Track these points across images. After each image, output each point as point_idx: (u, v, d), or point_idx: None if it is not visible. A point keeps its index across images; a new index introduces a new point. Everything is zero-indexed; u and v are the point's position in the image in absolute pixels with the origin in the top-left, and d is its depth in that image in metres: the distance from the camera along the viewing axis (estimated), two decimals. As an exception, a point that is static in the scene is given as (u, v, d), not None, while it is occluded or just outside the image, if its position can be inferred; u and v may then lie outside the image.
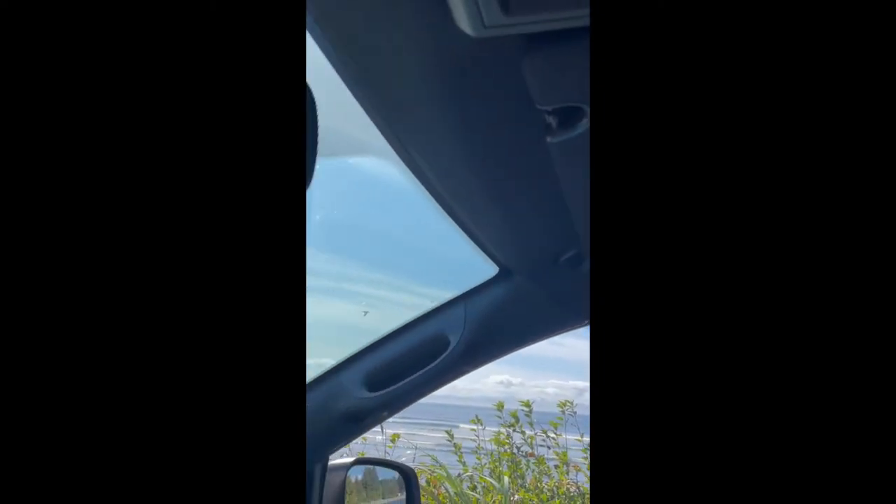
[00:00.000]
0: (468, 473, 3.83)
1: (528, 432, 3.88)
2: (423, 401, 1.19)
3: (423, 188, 0.83)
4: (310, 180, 0.46)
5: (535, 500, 3.60)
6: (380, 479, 1.46)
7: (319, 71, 0.55)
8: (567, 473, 3.74)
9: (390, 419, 1.31)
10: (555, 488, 3.66)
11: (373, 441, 3.73)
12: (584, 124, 0.60)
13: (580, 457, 3.78)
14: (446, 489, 3.70)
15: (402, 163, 0.77)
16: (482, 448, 3.96)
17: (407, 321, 1.16)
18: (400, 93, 0.61)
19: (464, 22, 0.48)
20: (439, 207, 0.88)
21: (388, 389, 1.11)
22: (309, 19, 0.51)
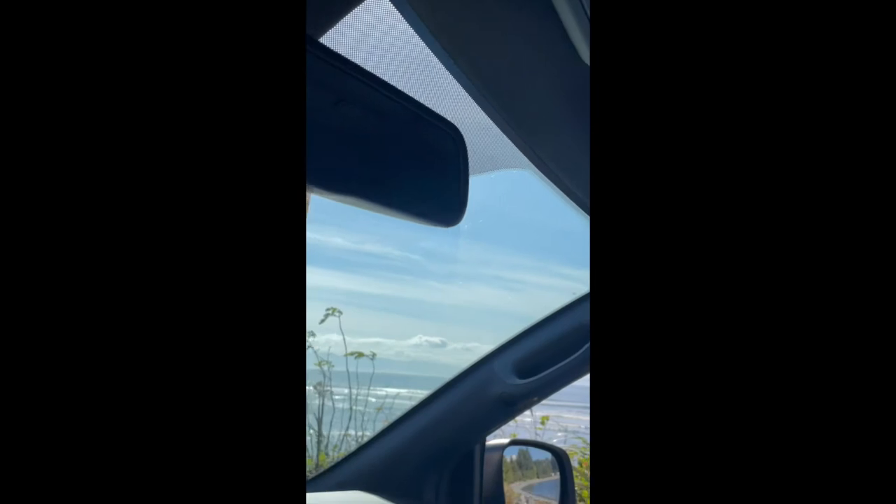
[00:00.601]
0: (620, 456, 3.80)
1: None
2: (571, 383, 1.24)
3: (562, 193, 0.89)
4: (464, 208, 0.54)
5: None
6: (534, 459, 1.50)
7: (464, 107, 0.63)
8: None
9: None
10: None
11: (522, 423, 3.80)
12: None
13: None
14: (599, 471, 3.70)
15: (540, 172, 0.84)
16: (633, 430, 3.90)
17: (551, 312, 1.22)
18: (534, 116, 0.68)
19: (586, 55, 0.54)
20: (580, 209, 0.94)
21: (536, 377, 1.18)
22: (451, 64, 0.59)
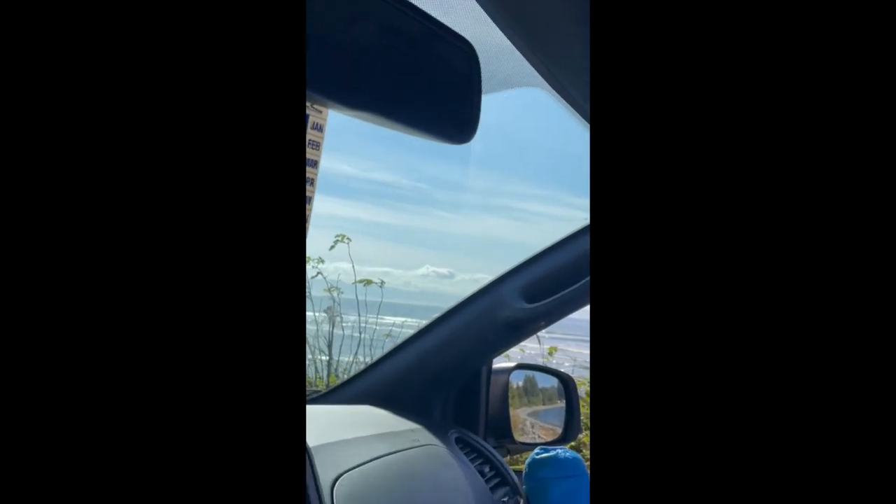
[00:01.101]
0: (625, 386, 3.87)
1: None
2: (577, 316, 1.25)
3: (574, 112, 0.89)
4: (476, 125, 0.55)
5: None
6: (540, 386, 1.53)
7: (481, 25, 0.63)
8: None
9: (547, 335, 1.39)
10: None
11: (530, 355, 3.87)
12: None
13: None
14: (603, 400, 3.78)
15: (553, 91, 0.83)
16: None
17: (561, 238, 1.24)
18: (548, 31, 0.68)
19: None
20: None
21: (544, 301, 1.20)
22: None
